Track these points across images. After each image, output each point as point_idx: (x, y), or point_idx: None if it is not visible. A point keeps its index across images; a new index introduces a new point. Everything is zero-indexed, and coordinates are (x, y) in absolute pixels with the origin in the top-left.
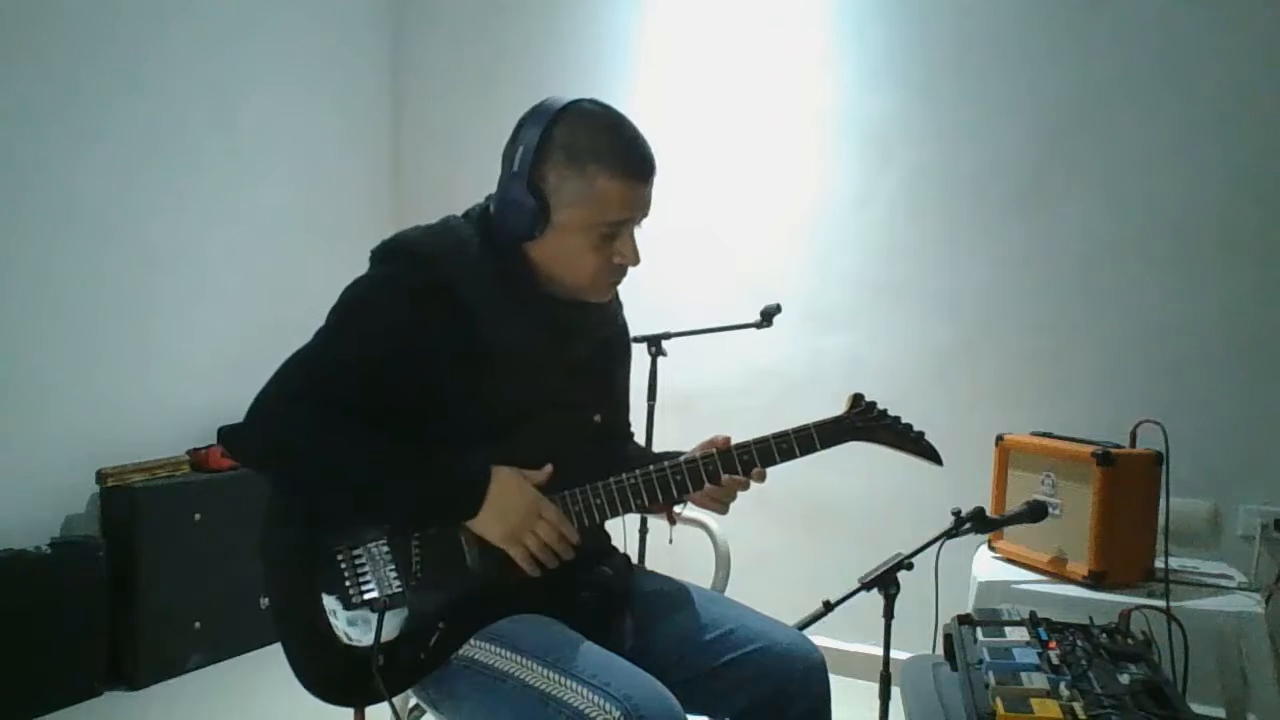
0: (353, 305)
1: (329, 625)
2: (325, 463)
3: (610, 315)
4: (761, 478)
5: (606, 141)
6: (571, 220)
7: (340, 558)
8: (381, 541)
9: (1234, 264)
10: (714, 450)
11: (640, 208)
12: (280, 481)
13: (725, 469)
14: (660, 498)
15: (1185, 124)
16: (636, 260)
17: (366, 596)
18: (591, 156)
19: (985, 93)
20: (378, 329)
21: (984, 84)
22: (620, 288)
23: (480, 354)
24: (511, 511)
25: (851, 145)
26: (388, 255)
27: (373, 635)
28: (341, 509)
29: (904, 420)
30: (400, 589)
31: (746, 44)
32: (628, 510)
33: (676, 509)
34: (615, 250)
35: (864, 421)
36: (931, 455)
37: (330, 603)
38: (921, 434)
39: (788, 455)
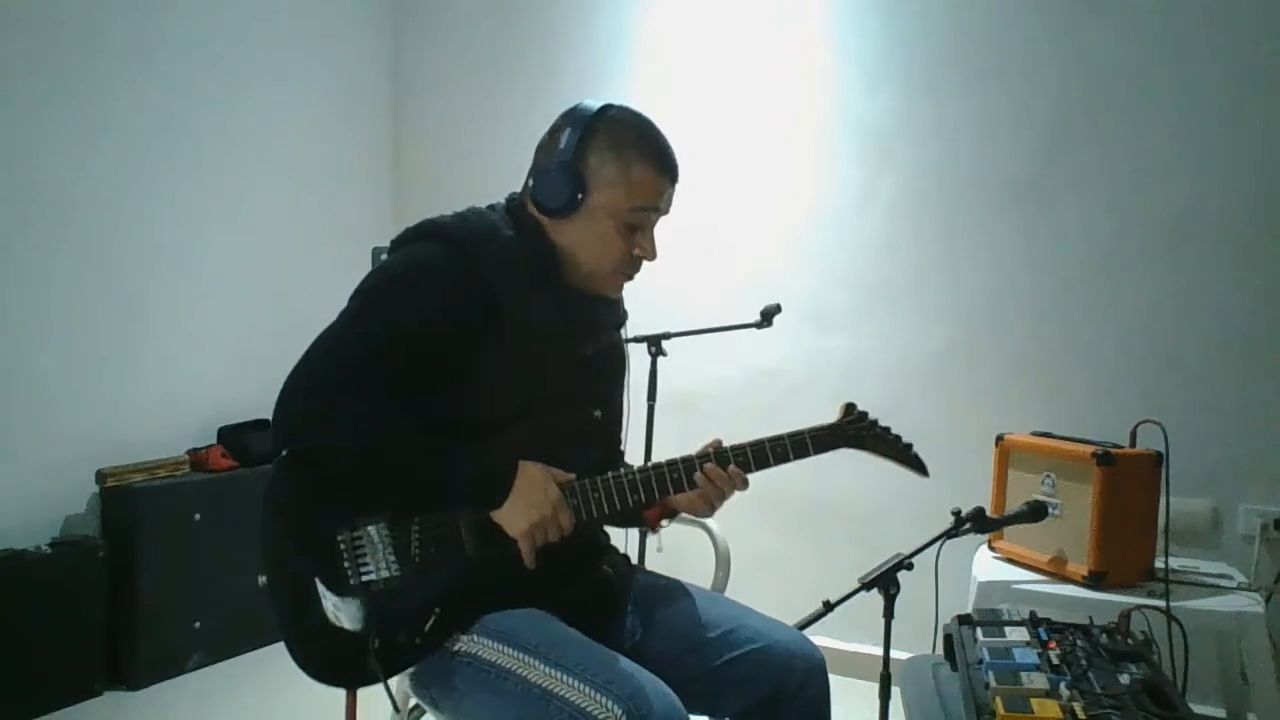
0: (383, 285)
1: (324, 605)
2: (354, 450)
3: (618, 319)
4: (743, 481)
5: (645, 138)
6: (604, 202)
7: (340, 539)
8: (382, 525)
9: (1233, 264)
10: (710, 450)
11: (665, 203)
12: (308, 459)
13: (720, 468)
14: (657, 494)
15: (1185, 124)
16: (654, 255)
17: (364, 579)
18: (632, 147)
19: (985, 92)
20: (408, 308)
21: (984, 84)
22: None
23: (501, 338)
24: (534, 507)
25: (851, 145)
26: (418, 237)
27: (364, 620)
28: (368, 490)
29: (894, 431)
30: (397, 572)
31: (746, 45)
32: (624, 505)
33: (664, 522)
34: (636, 242)
35: (856, 430)
36: (918, 467)
37: (323, 588)
38: (910, 445)
39: (781, 459)
